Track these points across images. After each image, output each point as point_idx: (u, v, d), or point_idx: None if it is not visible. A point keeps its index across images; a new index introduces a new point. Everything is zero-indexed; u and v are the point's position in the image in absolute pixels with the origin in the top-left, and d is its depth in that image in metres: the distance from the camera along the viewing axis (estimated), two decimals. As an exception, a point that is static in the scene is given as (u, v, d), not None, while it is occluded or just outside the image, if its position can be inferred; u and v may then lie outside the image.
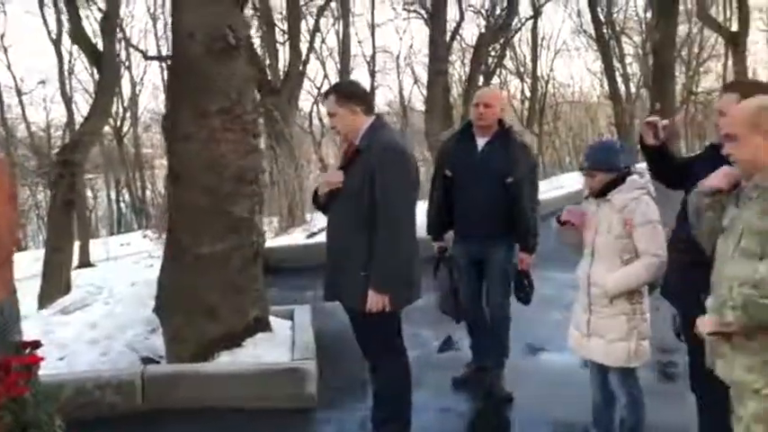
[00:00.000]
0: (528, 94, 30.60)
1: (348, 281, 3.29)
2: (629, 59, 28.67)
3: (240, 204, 4.51)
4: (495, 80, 28.58)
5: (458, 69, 29.32)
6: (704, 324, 2.24)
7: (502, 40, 22.38)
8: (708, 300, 2.24)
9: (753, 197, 2.14)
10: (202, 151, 4.40)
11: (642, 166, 3.41)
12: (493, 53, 22.94)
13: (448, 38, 19.71)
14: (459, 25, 21.35)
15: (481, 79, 21.62)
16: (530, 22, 26.34)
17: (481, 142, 4.09)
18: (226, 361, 4.39)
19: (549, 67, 33.77)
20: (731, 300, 2.08)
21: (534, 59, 28.99)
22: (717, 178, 2.36)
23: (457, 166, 4.12)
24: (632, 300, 3.20)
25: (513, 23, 21.81)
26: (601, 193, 3.24)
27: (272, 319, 4.92)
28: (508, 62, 30.26)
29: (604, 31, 22.58)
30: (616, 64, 25.13)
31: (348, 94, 3.34)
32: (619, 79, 25.17)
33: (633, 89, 28.39)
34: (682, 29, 26.78)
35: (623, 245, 3.18)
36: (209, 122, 4.38)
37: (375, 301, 3.18)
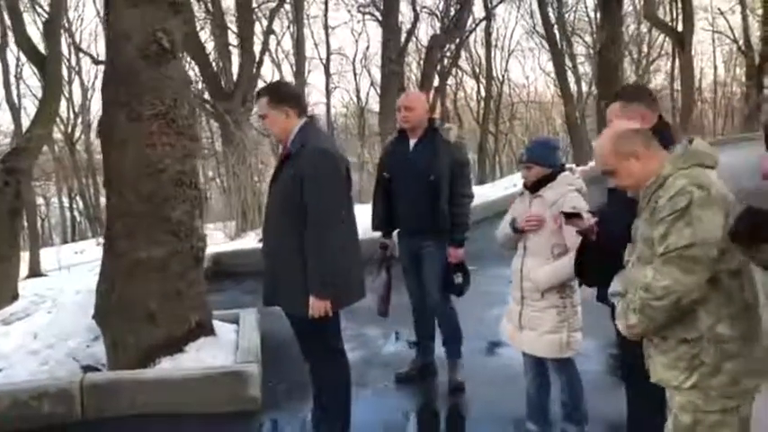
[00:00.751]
0: (483, 94, 30.91)
1: (285, 286, 3.29)
2: (580, 59, 29.23)
3: (178, 209, 4.48)
4: (451, 81, 28.89)
5: (414, 71, 29.51)
6: (618, 325, 2.34)
7: (457, 41, 22.59)
8: (620, 303, 2.33)
9: (643, 206, 2.26)
10: (138, 156, 4.36)
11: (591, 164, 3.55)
12: (448, 54, 23.13)
13: (403, 39, 19.81)
14: (413, 26, 21.49)
15: (437, 80, 21.80)
16: (484, 23, 26.64)
17: (412, 143, 4.27)
18: (167, 366, 4.35)
19: (504, 68, 34.27)
20: (632, 303, 2.18)
21: (489, 60, 29.32)
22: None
23: (392, 167, 4.33)
24: (563, 293, 3.31)
25: (467, 24, 22.01)
26: (534, 188, 3.38)
27: (216, 323, 4.89)
28: (464, 63, 30.62)
29: (555, 32, 22.94)
30: (568, 64, 25.57)
31: (281, 96, 3.33)
32: (571, 79, 25.63)
33: (586, 88, 28.93)
34: (632, 28, 27.50)
35: (554, 240, 3.28)
36: (144, 127, 4.35)
37: (316, 307, 3.18)
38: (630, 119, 2.85)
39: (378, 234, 4.54)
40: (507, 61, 34.54)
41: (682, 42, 19.49)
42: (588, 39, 28.64)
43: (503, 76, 33.96)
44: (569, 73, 25.45)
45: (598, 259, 2.75)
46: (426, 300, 4.39)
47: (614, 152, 2.29)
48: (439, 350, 4.53)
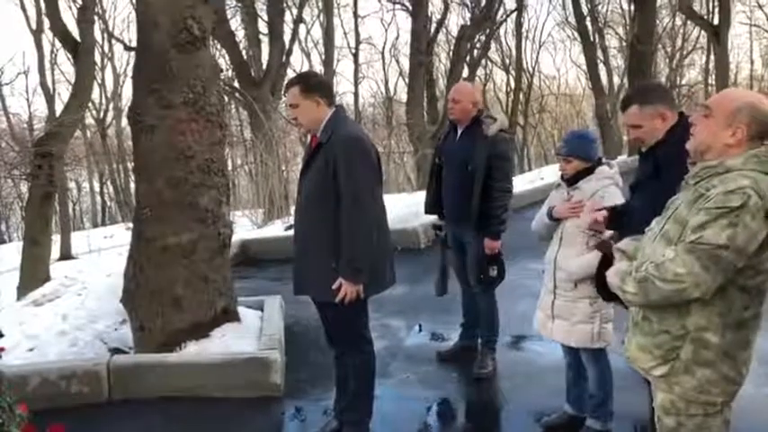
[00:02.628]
0: (513, 86, 30.64)
1: (316, 274, 3.31)
2: (613, 52, 28.79)
3: (206, 195, 4.53)
4: (480, 72, 28.66)
5: (443, 61, 29.35)
6: (609, 275, 2.31)
7: (487, 32, 22.39)
8: (622, 262, 2.29)
9: (689, 184, 2.17)
10: (167, 143, 4.41)
11: (622, 158, 3.53)
12: (478, 45, 22.95)
13: (432, 29, 19.72)
14: (443, 17, 21.34)
15: (466, 71, 21.64)
16: (515, 14, 26.34)
17: (459, 133, 4.39)
18: (192, 351, 4.41)
19: (535, 60, 33.93)
20: (636, 272, 2.13)
21: (519, 52, 29.01)
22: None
23: (442, 154, 4.49)
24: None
25: (498, 15, 21.80)
26: (572, 180, 3.40)
27: (241, 309, 4.95)
28: (493, 54, 30.36)
29: (587, 23, 22.61)
30: (599, 56, 25.20)
31: (312, 85, 3.34)
32: (602, 72, 25.28)
33: (617, 81, 28.51)
34: (666, 21, 27.00)
35: (589, 232, 3.27)
36: (173, 114, 4.39)
37: (348, 291, 3.21)
38: (650, 120, 2.83)
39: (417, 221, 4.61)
40: (538, 53, 34.43)
41: (717, 36, 19.05)
42: (621, 31, 28.23)
43: (533, 68, 33.62)
44: (601, 66, 25.09)
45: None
46: (467, 284, 4.53)
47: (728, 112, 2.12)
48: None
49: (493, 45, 27.67)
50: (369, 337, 3.53)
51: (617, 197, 3.26)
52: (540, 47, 33.82)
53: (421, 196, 10.08)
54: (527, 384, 4.28)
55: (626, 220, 2.86)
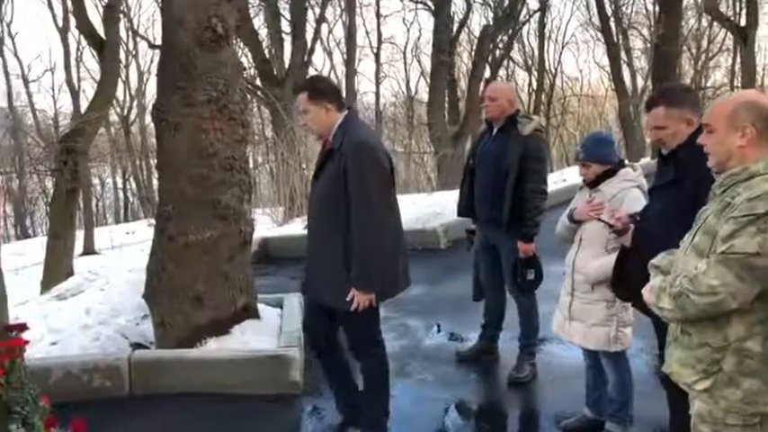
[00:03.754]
0: (535, 86, 30.46)
1: (328, 280, 3.31)
2: (636, 53, 28.49)
3: (228, 193, 4.56)
4: (502, 72, 28.51)
5: (465, 61, 29.26)
6: (645, 293, 2.27)
7: (509, 32, 22.30)
8: (656, 278, 2.26)
9: (716, 194, 2.14)
10: (190, 140, 4.44)
11: (645, 160, 3.50)
12: (500, 45, 22.85)
13: (455, 29, 19.68)
14: (466, 16, 21.29)
15: (488, 71, 21.57)
16: (538, 15, 26.20)
17: (494, 132, 4.35)
18: (212, 347, 4.45)
19: (557, 60, 33.66)
20: (671, 287, 2.10)
21: (541, 52, 28.84)
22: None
23: (476, 154, 4.44)
24: None
25: (521, 15, 21.72)
26: (593, 183, 3.39)
27: (261, 306, 4.97)
28: (516, 54, 30.20)
29: (611, 24, 22.41)
30: (623, 57, 24.97)
31: (320, 90, 3.32)
32: (626, 73, 25.05)
33: (641, 83, 28.22)
34: (692, 22, 26.66)
35: (609, 234, 3.24)
36: (197, 112, 4.43)
37: (361, 300, 3.21)
38: (675, 123, 2.79)
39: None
40: (561, 53, 33.92)
41: (744, 37, 18.79)
42: (645, 32, 27.89)
43: (555, 69, 33.38)
44: (624, 67, 24.87)
45: (637, 266, 2.68)
46: (495, 288, 4.50)
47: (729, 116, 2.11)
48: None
49: (515, 45, 27.56)
50: (381, 339, 3.53)
51: (638, 201, 3.22)
52: (562, 47, 33.56)
53: (441, 197, 10.11)
54: (546, 387, 4.26)
55: (642, 226, 2.83)
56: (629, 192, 3.30)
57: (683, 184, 2.69)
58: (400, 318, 5.64)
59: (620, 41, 24.45)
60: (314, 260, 3.41)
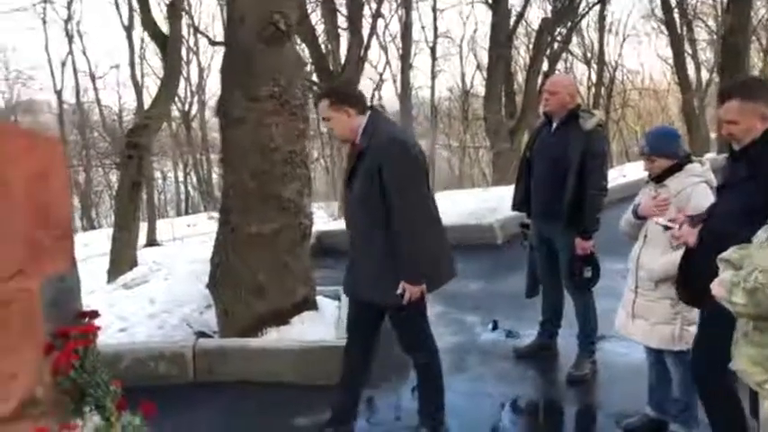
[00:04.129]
0: (595, 80, 29.84)
1: (375, 279, 3.34)
2: (702, 45, 27.56)
3: (289, 187, 4.66)
4: (560, 65, 28.02)
5: (522, 55, 28.87)
6: (714, 287, 2.22)
7: (568, 25, 21.88)
8: (727, 272, 2.21)
9: None
10: (253, 135, 4.55)
11: (710, 155, 3.41)
12: (558, 38, 22.46)
13: (512, 22, 19.42)
14: (524, 9, 20.98)
15: (545, 65, 21.24)
16: (598, 7, 25.62)
17: (553, 127, 4.28)
18: (272, 337, 4.55)
19: (618, 53, 32.87)
20: (745, 282, 2.05)
21: (601, 45, 28.20)
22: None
23: (534, 149, 4.39)
24: None
25: (580, 8, 21.27)
26: (659, 178, 3.32)
27: (319, 298, 5.06)
28: (574, 47, 29.62)
29: (675, 15, 21.73)
30: (687, 50, 24.19)
31: (341, 97, 3.36)
32: (690, 66, 24.26)
33: (706, 76, 27.30)
34: (762, 12, 25.61)
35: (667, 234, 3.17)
36: (259, 107, 4.53)
37: (411, 292, 3.24)
38: (749, 118, 2.69)
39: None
40: (621, 46, 33.12)
41: (818, 27, 17.96)
42: (711, 23, 26.96)
43: (616, 62, 32.58)
44: (688, 59, 24.08)
45: (704, 266, 2.62)
46: (551, 284, 4.46)
47: None
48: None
49: (574, 38, 27.03)
50: (430, 333, 3.55)
51: (706, 196, 3.14)
52: (623, 40, 32.75)
53: (496, 192, 10.03)
54: (606, 385, 4.20)
55: (711, 224, 2.75)
56: (697, 187, 3.22)
57: (755, 182, 2.61)
58: (456, 313, 5.64)
59: (685, 33, 23.69)
60: (358, 262, 3.44)
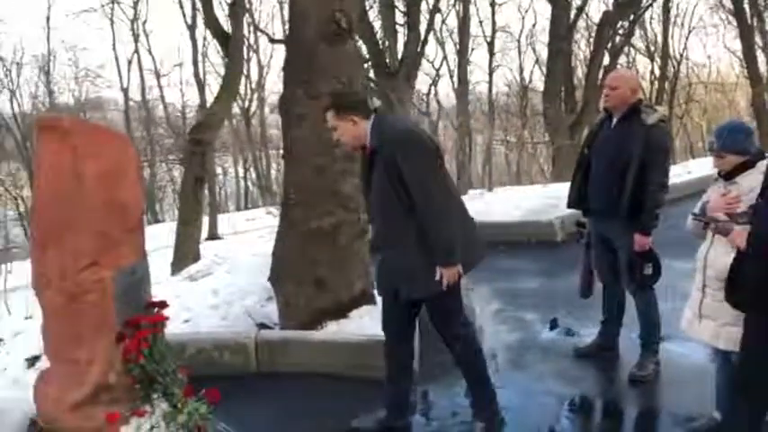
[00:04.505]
0: (658, 74, 28.97)
1: (411, 273, 3.37)
2: (774, 36, 26.38)
3: (348, 183, 4.71)
4: (622, 59, 27.33)
5: (582, 48, 28.31)
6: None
7: (631, 18, 21.32)
8: None
9: None
10: (314, 132, 4.61)
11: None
12: (620, 31, 21.91)
13: (572, 15, 19.06)
14: (584, 2, 20.55)
15: (606, 59, 20.76)
16: (662, -1, 24.87)
17: (614, 122, 4.22)
18: (332, 330, 4.63)
19: (683, 46, 31.83)
20: None
21: (665, 38, 27.35)
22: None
23: (593, 145, 4.32)
24: None
25: (644, 0, 20.68)
26: (729, 175, 3.23)
27: (376, 292, 5.10)
28: (637, 40, 28.83)
29: (745, 6, 20.90)
30: (758, 42, 23.22)
31: (345, 106, 3.43)
32: (761, 58, 23.29)
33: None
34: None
35: (746, 229, 3.08)
36: (320, 104, 4.56)
37: (448, 275, 3.30)
38: None
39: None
40: (687, 39, 32.02)
41: None
42: (786, 13, 25.81)
43: (680, 55, 31.54)
44: (759, 51, 23.12)
45: (752, 268, 2.54)
46: (612, 281, 4.38)
47: None
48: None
49: (637, 30, 26.29)
50: (466, 320, 3.61)
51: None
52: (689, 32, 31.64)
53: (556, 188, 9.88)
54: (670, 387, 4.11)
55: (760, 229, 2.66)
56: None
57: None
58: (515, 311, 5.61)
59: (755, 24, 22.76)
60: (389, 259, 3.47)
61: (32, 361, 4.64)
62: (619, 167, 4.04)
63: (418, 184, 3.24)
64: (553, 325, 5.20)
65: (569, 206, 4.54)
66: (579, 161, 4.43)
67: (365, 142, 3.40)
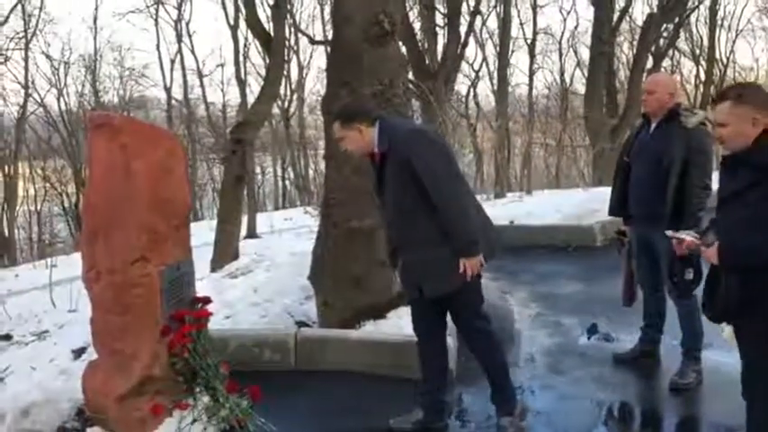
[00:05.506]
0: (703, 77, 28.38)
1: (432, 270, 3.40)
2: (826, 39, 25.66)
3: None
4: (666, 63, 26.86)
5: (625, 51, 27.90)
6: None
7: (676, 21, 20.94)
8: None
9: None
10: (356, 132, 4.66)
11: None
12: (665, 34, 21.53)
13: (615, 17, 18.81)
14: (628, 4, 20.27)
15: (650, 62, 20.43)
16: (709, 0, 24.36)
17: (652, 127, 4.19)
18: (370, 329, 4.67)
19: (730, 49, 31.13)
20: None
21: (712, 41, 26.79)
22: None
23: (632, 150, 4.29)
24: None
25: (689, 2, 20.29)
26: None
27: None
28: (682, 43, 28.28)
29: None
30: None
31: (349, 116, 3.46)
32: (812, 61, 22.63)
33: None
34: None
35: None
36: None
37: (470, 266, 3.33)
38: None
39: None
40: (734, 42, 31.33)
41: None
42: (838, 15, 25.09)
43: (727, 59, 30.89)
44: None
45: (731, 282, 2.57)
46: (655, 288, 4.33)
47: None
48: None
49: (682, 34, 25.80)
50: (486, 314, 3.62)
51: None
52: (736, 35, 30.95)
53: (597, 192, 9.78)
54: (712, 396, 4.02)
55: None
56: None
57: (760, 189, 2.55)
58: (553, 315, 5.57)
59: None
60: (411, 263, 3.49)
61: (79, 352, 4.78)
62: (660, 171, 3.99)
63: (433, 179, 3.28)
64: (592, 330, 5.14)
65: (611, 213, 4.49)
66: (618, 167, 4.40)
67: (373, 149, 3.44)
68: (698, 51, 29.58)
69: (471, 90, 29.91)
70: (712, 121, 2.81)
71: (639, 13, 23.92)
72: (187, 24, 32.03)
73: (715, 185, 3.05)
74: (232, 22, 26.13)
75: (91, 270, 3.52)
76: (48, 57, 29.55)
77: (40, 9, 27.36)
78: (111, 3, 45.87)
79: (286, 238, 14.07)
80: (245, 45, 28.47)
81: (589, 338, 5.08)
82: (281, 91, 30.20)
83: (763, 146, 2.57)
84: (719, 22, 28.04)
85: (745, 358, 2.85)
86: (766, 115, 2.58)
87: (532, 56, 29.71)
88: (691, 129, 3.96)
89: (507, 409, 3.61)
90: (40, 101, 29.54)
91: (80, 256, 3.66)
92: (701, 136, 3.98)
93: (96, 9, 39.59)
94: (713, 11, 25.42)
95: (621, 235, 4.46)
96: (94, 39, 31.30)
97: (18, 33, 26.81)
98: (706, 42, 27.74)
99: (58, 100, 30.22)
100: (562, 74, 32.38)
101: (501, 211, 9.66)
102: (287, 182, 35.09)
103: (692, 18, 26.02)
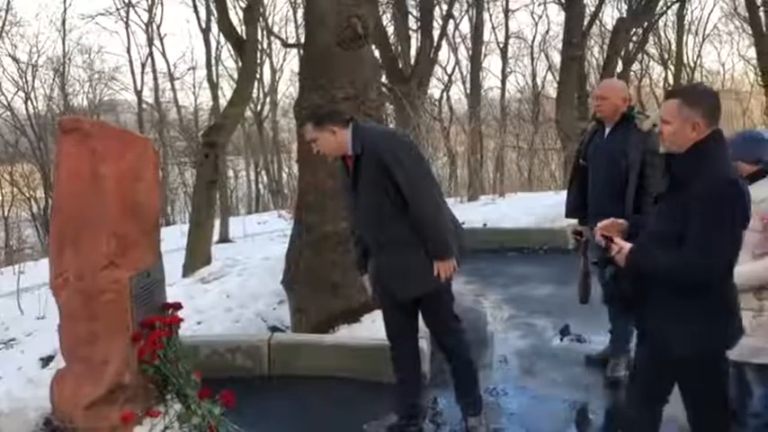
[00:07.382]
0: (672, 81, 28.84)
1: (409, 272, 3.41)
2: (789, 44, 26.19)
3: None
4: (636, 67, 27.27)
5: (596, 55, 28.24)
6: None
7: (645, 25, 21.27)
8: None
9: None
10: (329, 136, 4.65)
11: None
12: (634, 38, 21.86)
13: (586, 22, 19.04)
14: (598, 9, 20.53)
15: (620, 66, 20.71)
16: (676, 6, 24.77)
17: (607, 131, 4.26)
18: (344, 334, 4.64)
19: (697, 53, 31.71)
20: None
21: (680, 45, 27.26)
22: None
23: (588, 154, 4.36)
24: (760, 295, 3.09)
25: (658, 7, 20.62)
26: None
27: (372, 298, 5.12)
28: (651, 47, 28.74)
29: (761, 14, 20.79)
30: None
31: (322, 117, 3.46)
32: (776, 66, 23.12)
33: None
34: None
35: (756, 239, 3.06)
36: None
37: (444, 268, 3.35)
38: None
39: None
40: (701, 46, 31.93)
41: None
42: (801, 21, 25.64)
43: (695, 63, 31.47)
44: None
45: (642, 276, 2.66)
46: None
47: None
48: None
49: (650, 38, 26.23)
50: (456, 315, 3.64)
51: None
52: (703, 39, 31.54)
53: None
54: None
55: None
56: None
57: (675, 198, 2.58)
58: (527, 317, 5.61)
59: (770, 32, 22.62)
60: (385, 266, 3.50)
61: (47, 360, 4.69)
62: (617, 175, 4.07)
63: (409, 182, 3.29)
64: (564, 332, 5.19)
65: (567, 215, 4.58)
66: (574, 171, 4.49)
67: (347, 151, 3.43)
68: (666, 56, 30.07)
69: (444, 94, 30.01)
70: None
71: (609, 17, 24.28)
72: (158, 27, 31.66)
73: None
74: (204, 25, 25.84)
75: (59, 276, 3.45)
76: (14, 59, 29.03)
77: (6, 11, 26.88)
78: (80, 5, 45.20)
79: (259, 242, 13.97)
80: (217, 48, 28.25)
81: (561, 340, 5.12)
82: (254, 94, 30.04)
83: (689, 159, 2.53)
84: (687, 27, 28.54)
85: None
86: (707, 124, 2.53)
87: (505, 60, 29.91)
88: (646, 131, 4.05)
89: (475, 409, 3.65)
90: (6, 104, 29.00)
91: (48, 262, 3.58)
92: (657, 137, 4.06)
93: (65, 11, 39.09)
94: (681, 16, 25.82)
95: (578, 235, 4.50)
96: (63, 41, 30.86)
97: (-17, 35, 26.28)
98: (674, 47, 28.20)
99: (26, 103, 29.70)
100: (534, 77, 32.67)
101: (474, 213, 9.71)
102: (260, 185, 34.87)
103: (661, 23, 26.48)
